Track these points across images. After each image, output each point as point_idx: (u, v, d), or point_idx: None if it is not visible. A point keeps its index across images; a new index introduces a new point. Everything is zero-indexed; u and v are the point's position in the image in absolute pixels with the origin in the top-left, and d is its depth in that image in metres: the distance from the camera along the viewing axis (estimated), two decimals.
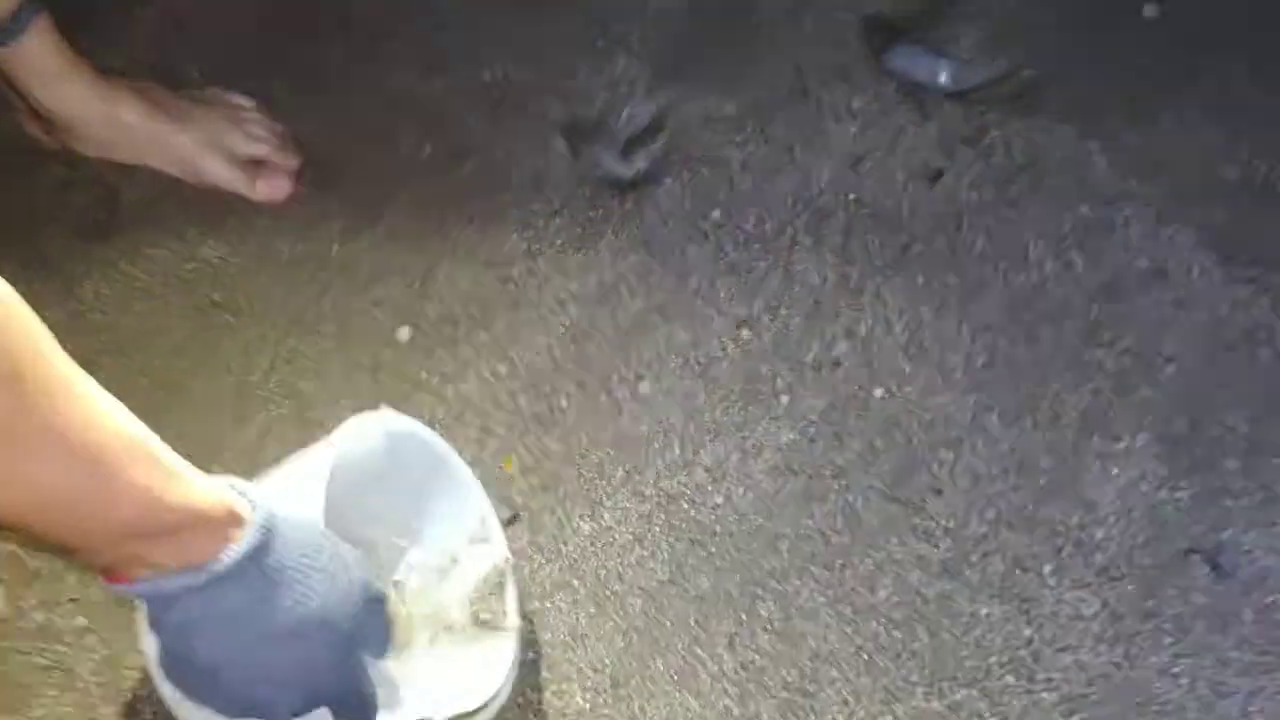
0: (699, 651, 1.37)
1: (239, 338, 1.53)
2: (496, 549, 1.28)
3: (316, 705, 0.96)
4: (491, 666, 1.20)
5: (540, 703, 1.34)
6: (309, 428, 1.46)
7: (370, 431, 1.20)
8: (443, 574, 1.29)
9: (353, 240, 1.63)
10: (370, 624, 1.00)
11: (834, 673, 1.35)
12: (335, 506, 1.05)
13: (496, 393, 1.51)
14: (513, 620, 1.24)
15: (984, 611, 1.40)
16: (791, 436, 1.50)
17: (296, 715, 0.95)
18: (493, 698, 1.19)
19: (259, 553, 0.84)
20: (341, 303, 1.57)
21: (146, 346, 1.55)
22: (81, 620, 1.34)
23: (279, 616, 0.87)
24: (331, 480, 0.99)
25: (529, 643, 1.36)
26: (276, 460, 1.18)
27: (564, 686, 1.35)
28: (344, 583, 0.94)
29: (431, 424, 1.46)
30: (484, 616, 1.25)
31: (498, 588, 1.27)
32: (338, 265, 1.60)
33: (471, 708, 1.16)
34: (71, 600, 1.35)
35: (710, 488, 1.45)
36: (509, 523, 1.41)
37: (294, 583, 0.87)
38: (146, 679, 1.29)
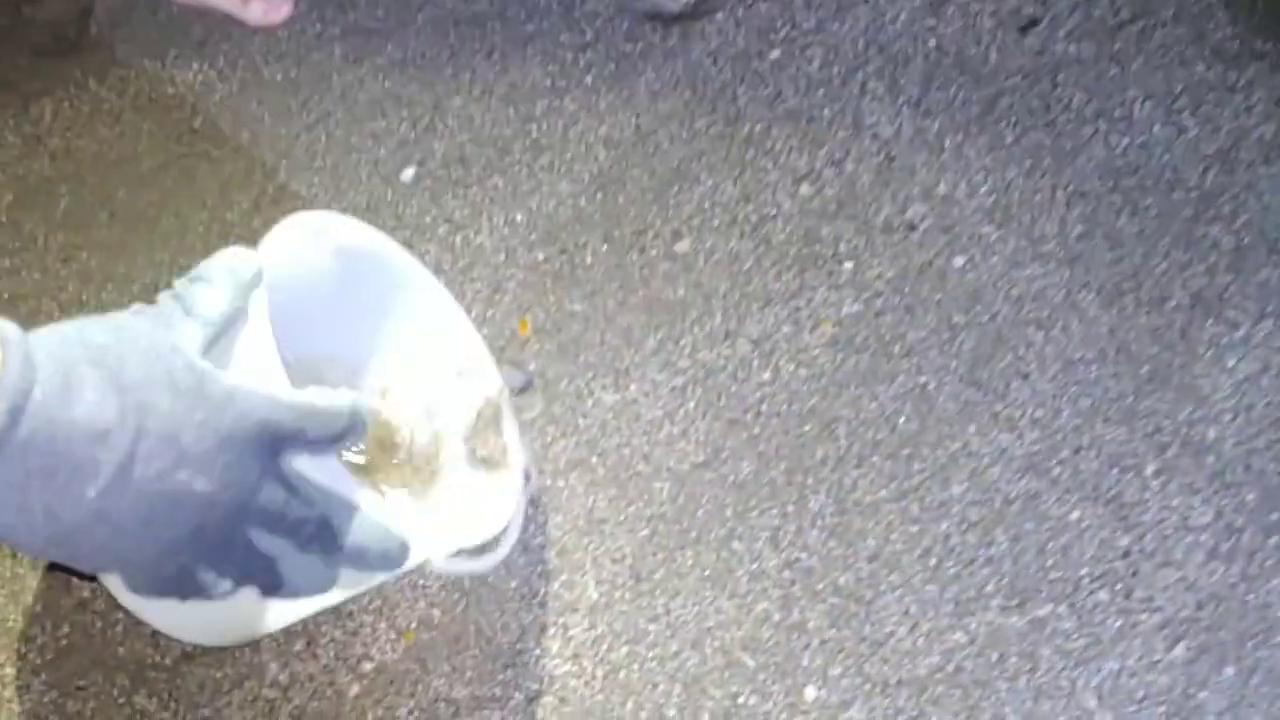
0: (736, 546, 1.16)
1: (219, 171, 1.31)
2: (488, 381, 1.07)
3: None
4: (496, 505, 1.01)
5: (546, 593, 1.14)
6: None
7: (308, 244, 0.97)
8: (429, 413, 1.09)
9: (354, 68, 1.41)
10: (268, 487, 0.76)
11: (894, 578, 1.14)
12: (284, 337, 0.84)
13: (512, 245, 1.29)
14: (515, 456, 1.04)
15: (1074, 516, 1.18)
16: (855, 308, 1.28)
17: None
18: (502, 534, 1.02)
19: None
20: (338, 137, 1.35)
21: (110, 175, 1.34)
22: None
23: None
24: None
25: (536, 493, 1.16)
26: None
27: (575, 577, 1.15)
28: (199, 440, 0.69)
29: (436, 274, 1.24)
30: (481, 453, 1.05)
31: (493, 422, 1.06)
32: (337, 95, 1.38)
33: (477, 541, 1.00)
34: None
35: (756, 362, 1.23)
36: (520, 391, 1.20)
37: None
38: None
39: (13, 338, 0.61)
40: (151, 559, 0.69)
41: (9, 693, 1.05)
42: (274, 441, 0.71)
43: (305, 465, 0.77)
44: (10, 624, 1.07)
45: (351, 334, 1.10)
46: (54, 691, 1.06)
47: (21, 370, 0.59)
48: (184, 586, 0.74)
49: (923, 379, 1.25)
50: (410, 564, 0.90)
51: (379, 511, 0.83)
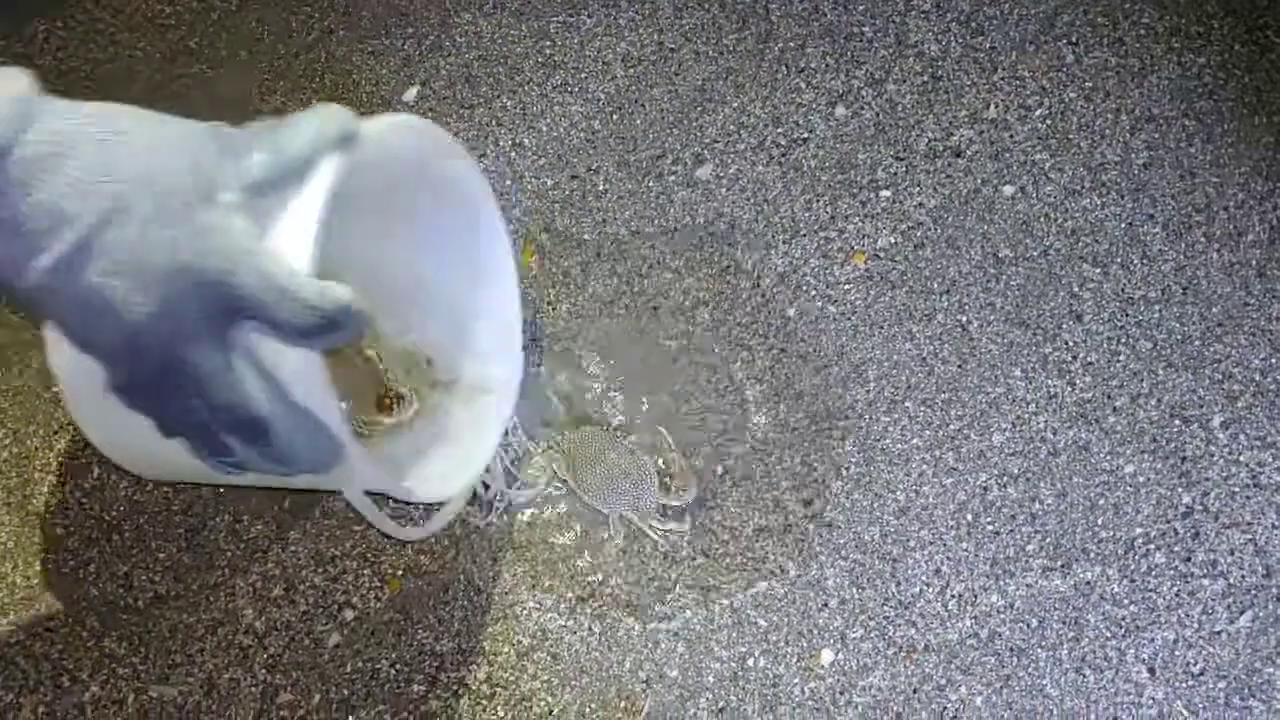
0: (750, 494, 1.06)
1: (215, 92, 1.24)
2: (505, 364, 1.02)
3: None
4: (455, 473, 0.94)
5: (541, 544, 1.05)
6: None
7: (405, 145, 0.88)
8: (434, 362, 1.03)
9: None
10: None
11: (925, 534, 1.03)
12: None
13: (519, 169, 1.20)
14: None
15: (1128, 470, 1.07)
16: (892, 240, 1.17)
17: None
18: (439, 507, 0.98)
19: None
20: (339, 54, 1.26)
21: (103, 97, 1.27)
22: None
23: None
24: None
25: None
26: None
27: (573, 528, 1.06)
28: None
29: None
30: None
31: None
32: (340, 11, 1.30)
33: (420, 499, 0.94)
34: None
35: (782, 296, 1.12)
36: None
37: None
38: (58, 484, 1.03)
39: (20, 93, 0.60)
40: (103, 355, 0.63)
41: None
42: (231, 300, 0.63)
43: (289, 361, 0.67)
44: None
45: (404, 252, 1.02)
46: (21, 632, 1.00)
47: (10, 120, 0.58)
48: (133, 400, 0.66)
49: (964, 318, 1.14)
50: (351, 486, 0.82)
51: (335, 422, 0.73)
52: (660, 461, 1.05)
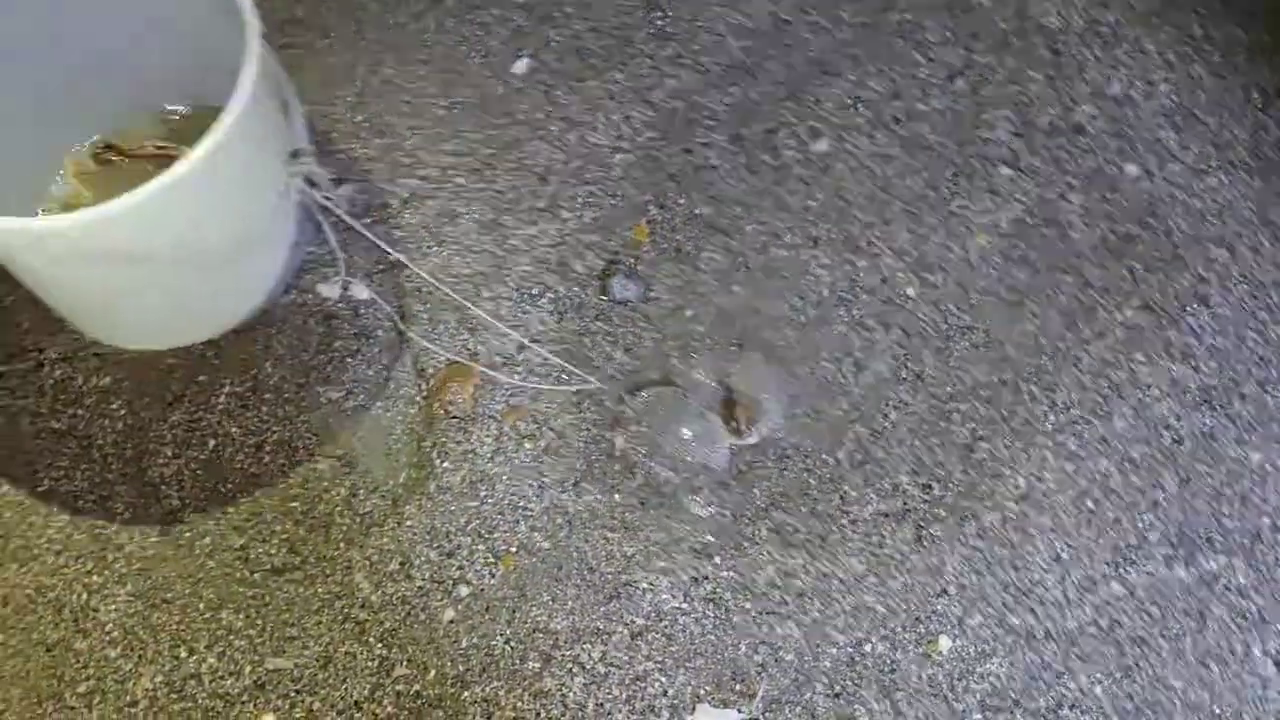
0: (868, 475, 1.04)
1: (321, 62, 1.23)
2: None
3: None
4: None
5: (655, 526, 1.04)
6: (400, 171, 1.17)
7: None
8: None
9: None
10: None
11: (1045, 520, 1.01)
12: None
13: (631, 143, 1.18)
14: None
15: (1255, 458, 1.04)
16: (1013, 218, 1.14)
17: None
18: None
19: None
20: (448, 25, 1.25)
21: None
22: (106, 379, 1.08)
23: None
24: None
25: None
26: None
27: (687, 512, 1.05)
28: None
29: (545, 176, 1.15)
30: None
31: None
32: None
33: None
34: (96, 355, 1.09)
35: (901, 274, 1.10)
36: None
37: None
38: (173, 456, 1.04)
39: None
40: None
41: (94, 600, 1.00)
42: None
43: None
44: (99, 529, 1.03)
45: None
46: (139, 601, 1.01)
47: None
48: None
49: (1086, 299, 1.11)
50: None
51: None
52: (725, 409, 1.04)
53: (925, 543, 1.01)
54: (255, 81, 0.90)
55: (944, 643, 0.98)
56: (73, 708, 0.96)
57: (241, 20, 0.92)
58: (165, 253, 0.93)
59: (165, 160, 1.08)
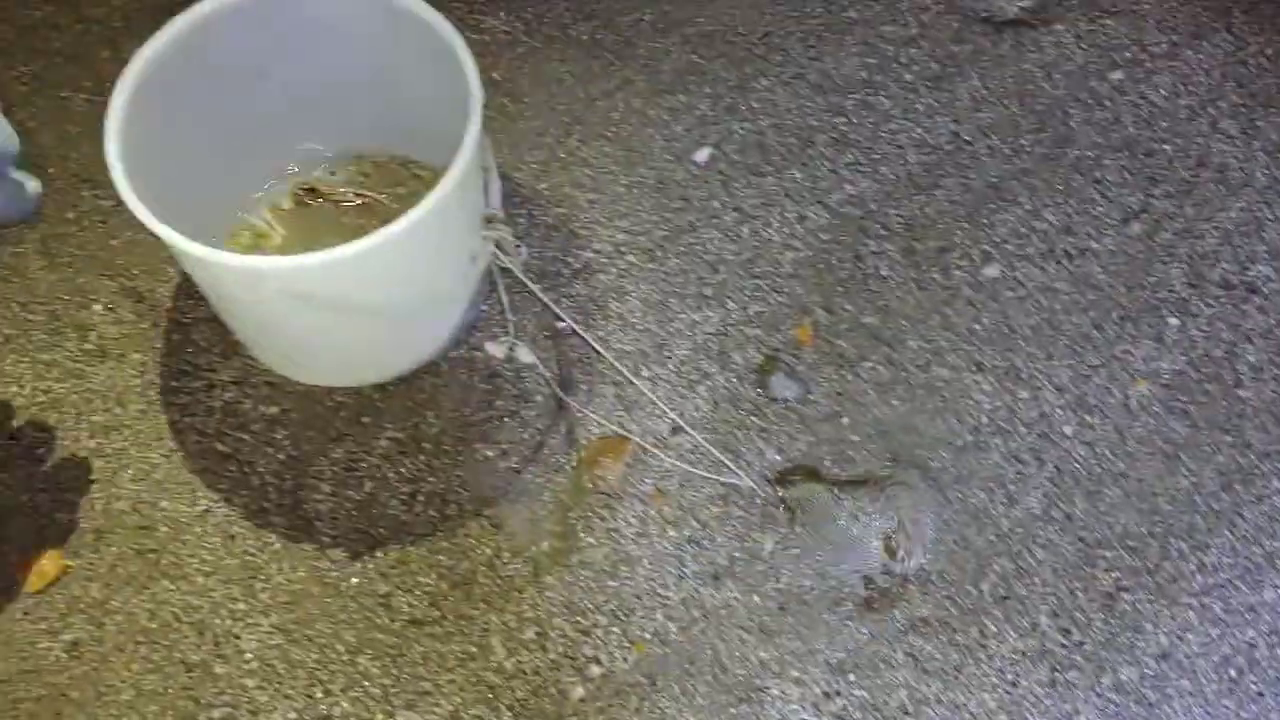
0: (1007, 613, 1.04)
1: (513, 127, 1.26)
2: None
3: None
4: None
5: (789, 633, 1.04)
6: (575, 243, 1.19)
7: None
8: None
9: (662, 36, 1.34)
10: None
11: (1185, 683, 1.01)
12: None
13: (803, 242, 1.19)
14: None
15: None
16: (1178, 369, 1.14)
17: None
18: None
19: None
20: (636, 105, 1.28)
21: None
22: (274, 408, 1.11)
23: None
24: None
25: None
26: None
27: (819, 623, 1.05)
28: None
29: (715, 265, 1.17)
30: None
31: None
32: (640, 62, 1.31)
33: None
34: (268, 384, 1.12)
35: (1060, 412, 1.10)
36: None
37: None
38: (330, 493, 1.06)
39: None
40: None
41: (237, 627, 1.03)
42: None
43: None
44: (250, 557, 1.05)
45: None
46: (280, 635, 1.03)
47: None
48: None
49: (1246, 460, 1.10)
50: None
51: None
52: (888, 527, 1.04)
53: (1060, 687, 1.00)
54: (476, 145, 0.93)
55: None
56: None
57: (466, 84, 0.95)
58: (363, 301, 0.96)
59: (360, 208, 1.12)
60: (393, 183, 1.17)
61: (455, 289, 1.06)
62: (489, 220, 1.04)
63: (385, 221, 0.89)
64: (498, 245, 1.05)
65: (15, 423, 1.10)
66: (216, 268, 0.89)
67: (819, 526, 1.06)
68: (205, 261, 0.87)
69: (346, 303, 0.95)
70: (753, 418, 1.12)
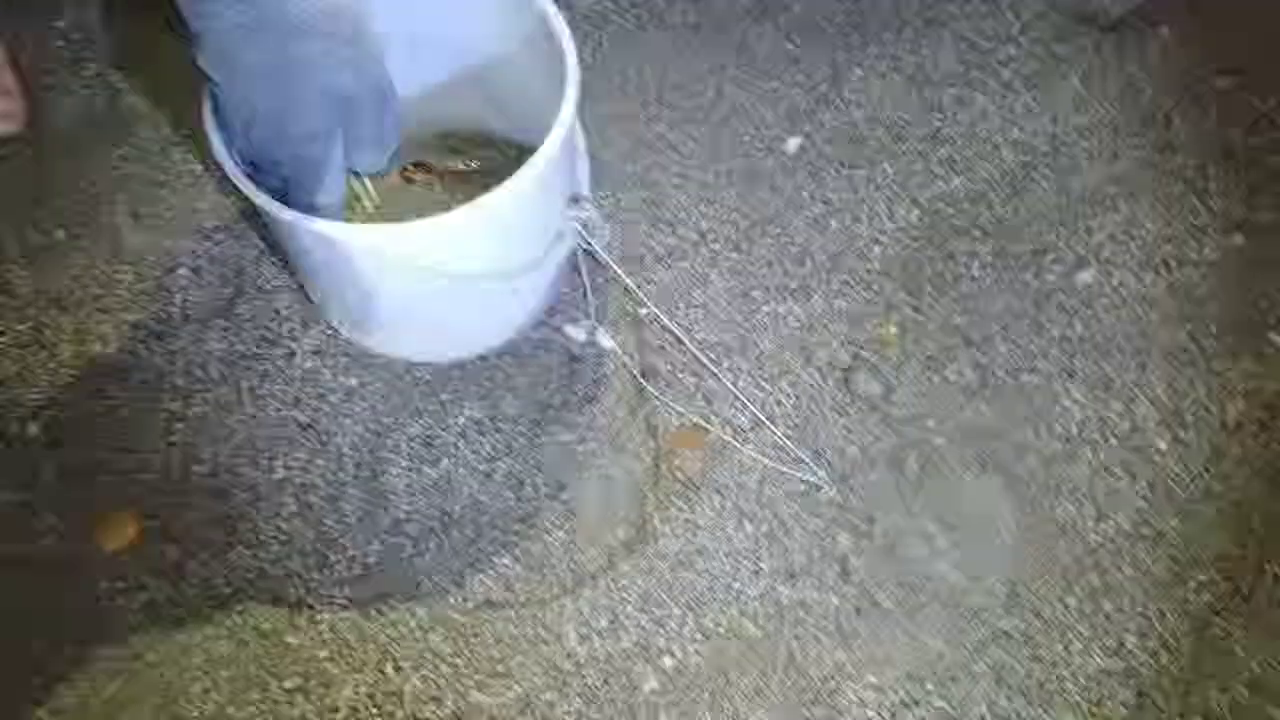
0: (1071, 645, 1.01)
1: (601, 108, 1.25)
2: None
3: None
4: None
5: (866, 639, 1.02)
6: (660, 228, 1.17)
7: None
8: None
9: (758, 23, 1.32)
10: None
11: (1277, 714, 0.97)
12: None
13: (892, 238, 1.17)
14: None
15: None
16: (1276, 388, 1.10)
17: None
18: None
19: None
20: (727, 92, 1.26)
21: None
22: (353, 379, 1.11)
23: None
24: None
25: None
26: None
27: (900, 627, 1.03)
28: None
29: (801, 258, 1.15)
30: None
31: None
32: (735, 46, 1.30)
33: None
34: (347, 355, 1.12)
35: (1153, 426, 1.08)
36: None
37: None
38: (406, 468, 1.05)
39: None
40: (248, 101, 0.85)
41: (311, 598, 1.02)
42: (348, 111, 0.88)
43: None
44: (325, 528, 1.04)
45: None
46: (354, 609, 1.02)
47: None
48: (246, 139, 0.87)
49: None
50: None
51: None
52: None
53: (1146, 711, 0.98)
54: (573, 120, 0.92)
55: None
56: (276, 700, 0.98)
57: (562, 60, 0.94)
58: (451, 270, 0.95)
59: (456, 182, 1.10)
60: (483, 158, 1.16)
61: (540, 266, 1.05)
62: (575, 199, 1.03)
63: (471, 198, 0.88)
64: (583, 226, 1.03)
65: (99, 382, 1.10)
66: (321, 235, 0.88)
67: (901, 534, 1.04)
68: (305, 230, 0.87)
69: (434, 271, 0.94)
70: (834, 414, 1.10)
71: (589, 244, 1.05)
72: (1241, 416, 1.08)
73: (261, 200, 0.87)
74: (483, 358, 1.11)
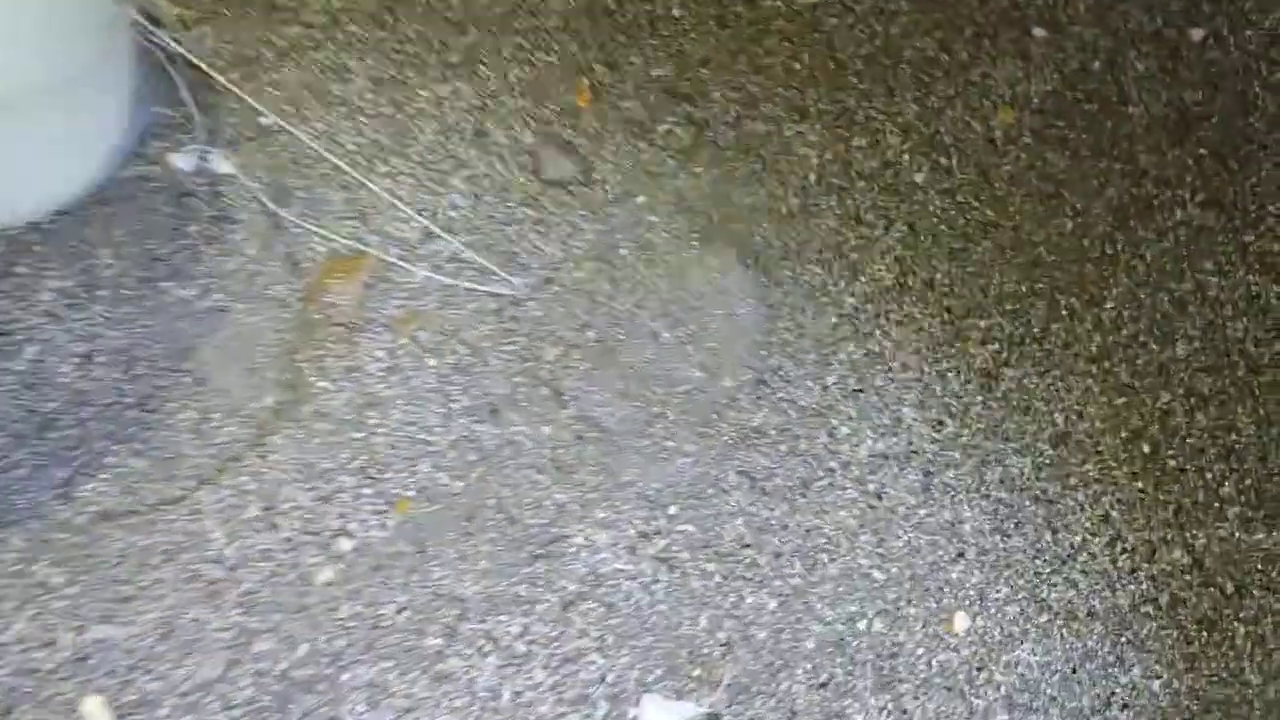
0: (836, 431, 0.82)
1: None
2: None
3: None
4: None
5: (591, 465, 0.82)
6: (278, 16, 0.92)
7: None
8: None
9: None
10: None
11: (1090, 469, 0.86)
12: None
13: None
14: None
15: None
16: (1049, 86, 0.91)
17: None
18: None
19: None
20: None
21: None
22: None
23: None
24: None
25: None
26: None
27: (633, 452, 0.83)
28: None
29: (462, 24, 0.91)
30: None
31: None
32: None
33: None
34: None
35: (908, 158, 0.88)
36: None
37: None
38: None
39: None
40: None
41: None
42: None
43: None
44: None
45: None
46: None
47: None
48: None
49: (1142, 189, 0.90)
50: None
51: None
52: None
53: (936, 492, 0.80)
54: None
55: (960, 621, 0.78)
56: None
57: None
58: None
59: None
60: None
61: (92, 72, 0.80)
62: None
63: None
64: (146, 15, 0.78)
65: None
66: None
67: (611, 336, 0.83)
68: None
69: None
70: (524, 208, 0.89)
71: (168, 40, 0.80)
72: (1010, 129, 0.89)
73: None
74: (63, 212, 0.86)
